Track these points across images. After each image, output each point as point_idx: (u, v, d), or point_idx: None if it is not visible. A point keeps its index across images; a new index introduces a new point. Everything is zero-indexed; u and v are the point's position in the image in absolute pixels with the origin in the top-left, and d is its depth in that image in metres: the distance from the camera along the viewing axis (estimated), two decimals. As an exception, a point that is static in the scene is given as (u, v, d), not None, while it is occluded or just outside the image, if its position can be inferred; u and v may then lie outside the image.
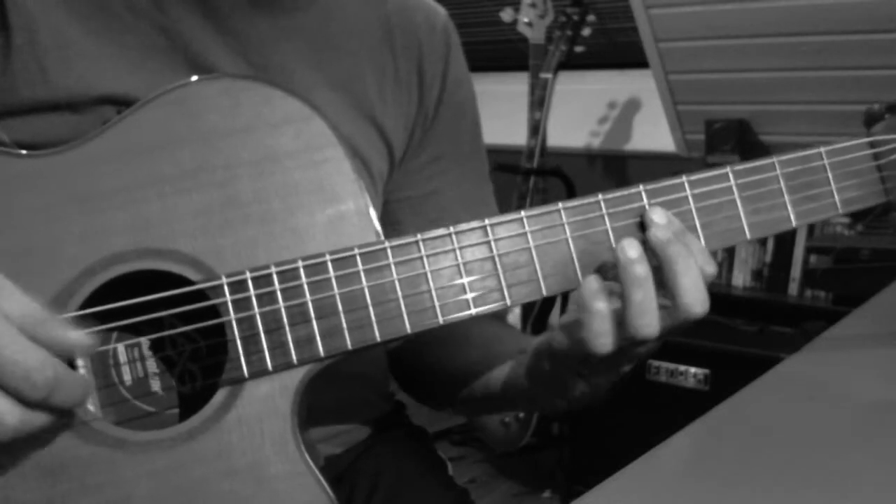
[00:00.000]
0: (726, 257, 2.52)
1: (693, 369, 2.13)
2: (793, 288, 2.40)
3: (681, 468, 0.60)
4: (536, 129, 2.45)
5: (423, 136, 0.84)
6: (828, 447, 0.61)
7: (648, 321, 0.58)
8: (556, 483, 2.41)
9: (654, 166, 2.73)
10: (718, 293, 2.44)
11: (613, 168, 2.93)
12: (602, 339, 0.59)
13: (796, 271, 2.40)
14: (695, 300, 0.58)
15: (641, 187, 0.63)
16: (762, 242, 2.46)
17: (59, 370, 0.50)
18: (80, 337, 0.52)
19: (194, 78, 0.61)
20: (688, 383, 2.14)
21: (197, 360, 0.64)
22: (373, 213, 0.61)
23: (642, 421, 1.68)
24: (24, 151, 0.58)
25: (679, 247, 0.59)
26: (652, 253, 0.59)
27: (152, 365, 0.63)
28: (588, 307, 0.59)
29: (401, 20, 0.82)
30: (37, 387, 0.49)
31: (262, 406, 0.58)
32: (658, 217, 0.61)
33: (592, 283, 0.59)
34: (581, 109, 2.93)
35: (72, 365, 0.54)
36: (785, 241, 2.42)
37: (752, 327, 2.25)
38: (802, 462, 0.58)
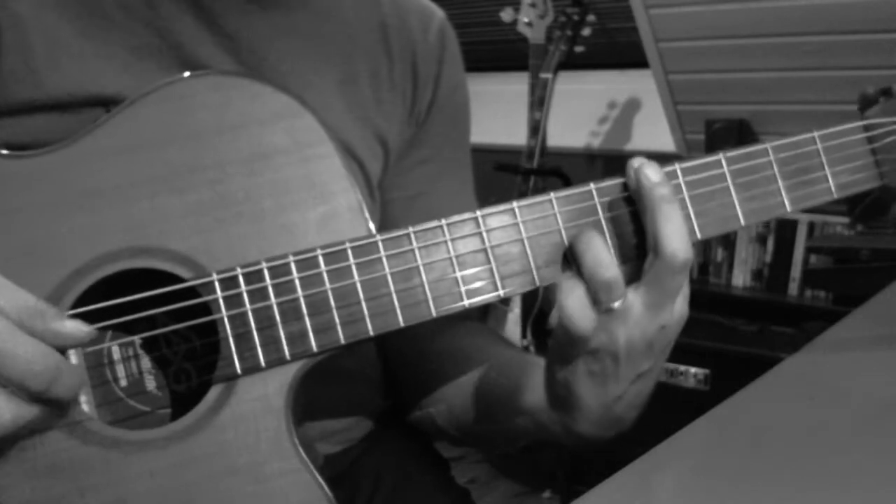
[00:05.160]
0: (726, 257, 2.51)
1: (693, 369, 2.12)
2: (793, 288, 2.40)
3: (681, 468, 0.60)
4: (536, 129, 2.45)
5: (412, 137, 0.84)
6: (828, 447, 0.61)
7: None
8: (556, 483, 2.40)
9: (655, 166, 2.70)
10: (718, 293, 2.44)
11: (613, 168, 2.90)
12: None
13: (796, 271, 2.39)
14: (678, 247, 0.58)
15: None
16: (762, 242, 2.45)
17: (59, 360, 0.50)
18: (77, 326, 0.52)
19: (185, 74, 0.61)
20: (688, 383, 2.13)
21: (191, 358, 0.64)
22: (364, 209, 0.61)
23: (642, 421, 1.67)
24: (5, 151, 0.58)
25: (666, 191, 0.60)
26: (637, 198, 0.61)
27: (146, 364, 0.63)
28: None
29: (396, 21, 0.82)
30: (38, 377, 0.49)
31: (256, 403, 0.58)
32: (651, 171, 0.62)
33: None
34: (581, 109, 2.92)
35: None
36: (785, 240, 2.42)
37: (752, 327, 2.25)
38: (802, 462, 0.58)
